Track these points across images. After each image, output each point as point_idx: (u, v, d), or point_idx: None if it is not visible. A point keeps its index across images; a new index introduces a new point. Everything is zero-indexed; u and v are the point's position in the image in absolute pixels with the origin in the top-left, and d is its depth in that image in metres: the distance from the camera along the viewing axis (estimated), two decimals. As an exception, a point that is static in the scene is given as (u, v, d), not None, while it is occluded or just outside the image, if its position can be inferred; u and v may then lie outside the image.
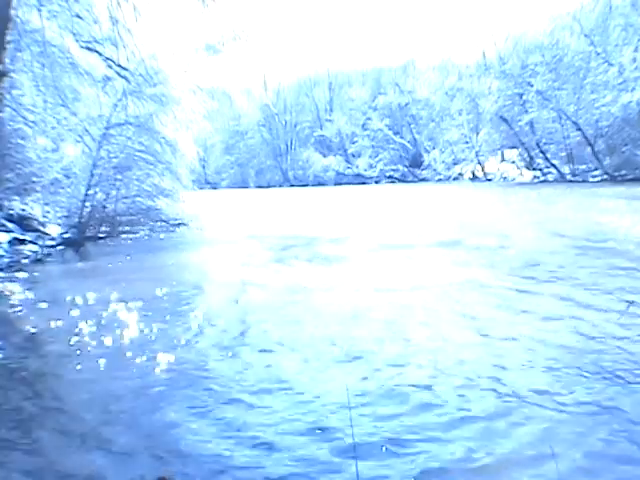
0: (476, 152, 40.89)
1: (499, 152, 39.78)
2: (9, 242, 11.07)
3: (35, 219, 13.26)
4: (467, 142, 42.07)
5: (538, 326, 4.64)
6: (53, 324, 5.47)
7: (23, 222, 12.76)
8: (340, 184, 48.88)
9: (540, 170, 33.01)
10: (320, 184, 50.62)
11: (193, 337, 4.89)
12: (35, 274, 8.64)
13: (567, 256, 7.89)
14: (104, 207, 13.26)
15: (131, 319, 5.54)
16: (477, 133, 41.38)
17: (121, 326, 5.27)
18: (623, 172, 26.16)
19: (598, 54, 27.53)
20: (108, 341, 4.82)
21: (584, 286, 5.93)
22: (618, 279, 6.16)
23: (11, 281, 8.04)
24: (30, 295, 7.03)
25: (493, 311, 5.27)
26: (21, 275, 8.52)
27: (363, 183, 48.36)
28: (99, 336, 4.95)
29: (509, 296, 5.79)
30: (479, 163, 41.41)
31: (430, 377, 3.68)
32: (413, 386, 3.53)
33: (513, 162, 38.19)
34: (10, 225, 12.09)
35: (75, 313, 5.89)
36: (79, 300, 6.51)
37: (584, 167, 29.51)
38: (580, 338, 4.26)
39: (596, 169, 28.27)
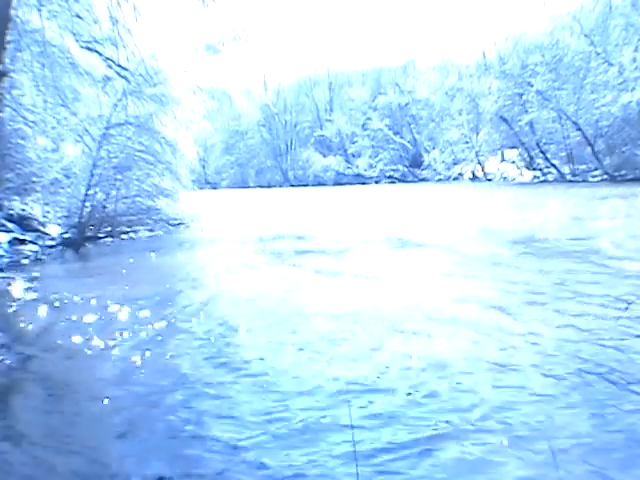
0: (476, 152, 40.95)
1: (499, 152, 39.85)
2: (9, 242, 11.08)
3: (35, 219, 13.27)
4: (467, 142, 42.13)
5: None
6: (52, 324, 5.48)
7: (23, 222, 12.77)
8: (340, 184, 48.94)
9: (540, 170, 33.06)
10: (320, 184, 50.69)
11: (190, 337, 4.90)
12: (35, 274, 8.64)
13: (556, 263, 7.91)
14: (104, 207, 13.28)
15: (130, 319, 5.54)
16: (477, 133, 41.43)
17: (120, 326, 5.28)
18: (623, 172, 26.19)
19: (598, 54, 27.56)
20: (106, 341, 4.82)
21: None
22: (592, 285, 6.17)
23: (11, 281, 8.04)
24: (30, 295, 7.03)
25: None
26: (21, 275, 8.53)
27: (363, 183, 48.43)
28: (97, 336, 4.96)
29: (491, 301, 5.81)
30: (479, 163, 41.47)
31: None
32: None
33: (513, 162, 38.26)
34: (10, 225, 12.10)
35: (74, 313, 5.89)
36: (79, 300, 6.51)
37: (584, 167, 29.56)
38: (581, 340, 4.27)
39: (596, 169, 28.31)
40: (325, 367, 3.95)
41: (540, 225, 11.67)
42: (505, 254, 8.38)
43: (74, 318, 5.67)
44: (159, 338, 4.87)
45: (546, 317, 4.80)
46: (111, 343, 4.76)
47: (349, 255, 9.31)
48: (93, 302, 6.36)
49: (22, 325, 5.63)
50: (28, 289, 7.42)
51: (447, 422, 2.99)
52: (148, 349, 4.55)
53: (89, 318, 5.63)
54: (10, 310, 6.30)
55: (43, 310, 6.12)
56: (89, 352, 4.58)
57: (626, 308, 4.56)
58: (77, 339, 4.92)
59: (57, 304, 6.35)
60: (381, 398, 3.35)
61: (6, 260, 9.75)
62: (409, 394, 3.38)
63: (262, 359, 4.17)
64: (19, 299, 6.85)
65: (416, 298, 5.83)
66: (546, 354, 3.91)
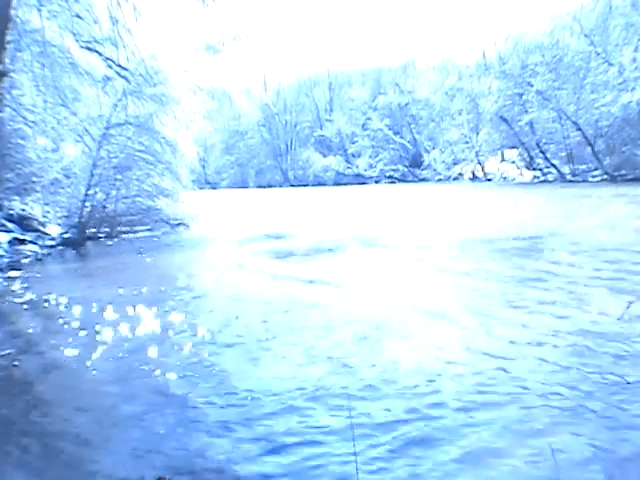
0: (476, 152, 40.90)
1: (499, 152, 39.77)
2: (9, 242, 11.08)
3: (35, 219, 13.27)
4: (467, 142, 42.08)
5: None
6: (51, 324, 5.48)
7: (23, 222, 12.78)
8: (340, 184, 48.87)
9: (540, 170, 33.01)
10: (320, 184, 50.63)
11: (188, 337, 4.90)
12: (35, 274, 8.64)
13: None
14: (104, 207, 13.29)
15: (129, 319, 5.54)
16: (477, 133, 41.37)
17: (119, 326, 5.27)
18: (623, 172, 26.16)
19: (598, 54, 27.53)
20: (106, 341, 4.82)
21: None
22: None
23: (11, 281, 8.04)
24: (30, 295, 7.03)
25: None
26: (21, 275, 8.53)
27: (363, 183, 48.36)
28: (97, 336, 4.96)
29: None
30: (479, 163, 41.41)
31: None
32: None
33: (513, 162, 38.18)
34: (10, 225, 12.11)
35: (74, 313, 5.89)
36: (78, 300, 6.51)
37: (584, 167, 29.51)
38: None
39: (596, 169, 28.27)
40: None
41: (516, 228, 11.62)
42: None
43: (72, 318, 5.67)
44: (155, 336, 4.88)
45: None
46: (109, 342, 4.76)
47: (314, 258, 9.36)
48: (91, 302, 6.35)
49: (20, 325, 5.63)
50: (27, 289, 7.42)
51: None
52: (145, 347, 4.56)
53: (87, 318, 5.62)
54: (9, 310, 6.30)
55: (42, 310, 6.12)
56: (87, 352, 4.57)
57: (628, 307, 4.55)
58: (74, 338, 4.91)
59: (56, 304, 6.35)
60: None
61: (6, 260, 9.76)
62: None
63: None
64: (18, 299, 6.84)
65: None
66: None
